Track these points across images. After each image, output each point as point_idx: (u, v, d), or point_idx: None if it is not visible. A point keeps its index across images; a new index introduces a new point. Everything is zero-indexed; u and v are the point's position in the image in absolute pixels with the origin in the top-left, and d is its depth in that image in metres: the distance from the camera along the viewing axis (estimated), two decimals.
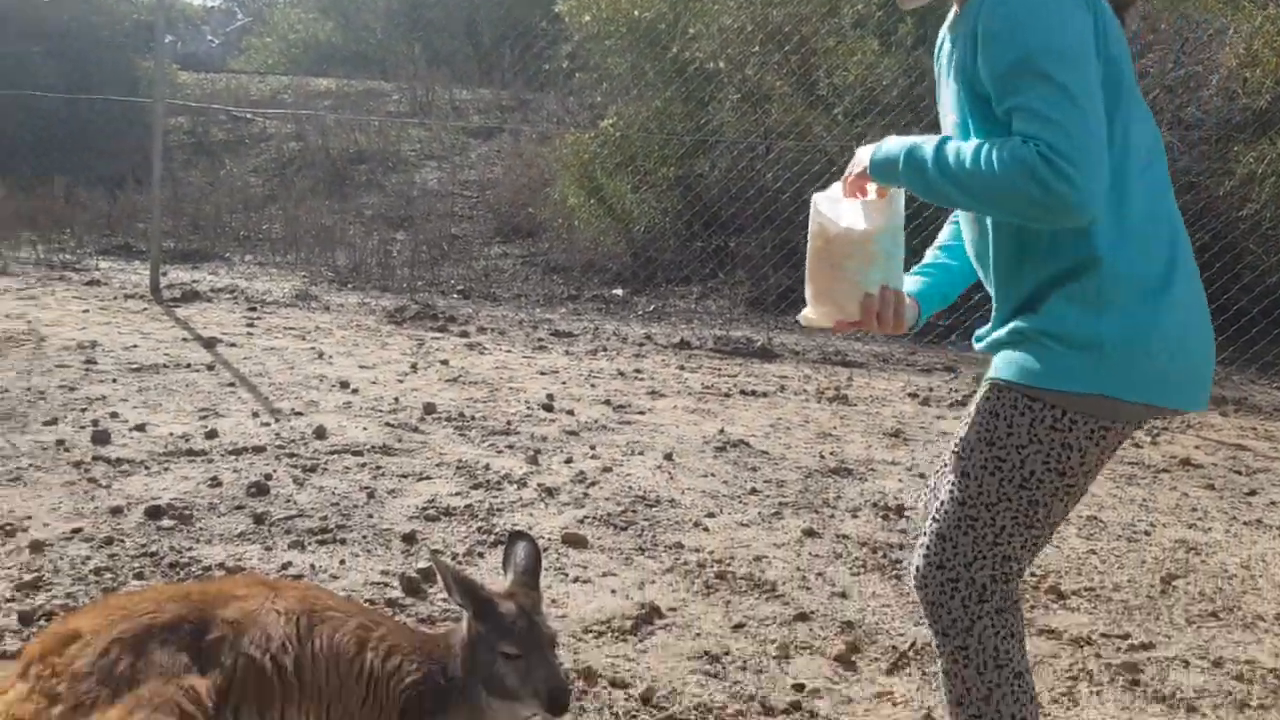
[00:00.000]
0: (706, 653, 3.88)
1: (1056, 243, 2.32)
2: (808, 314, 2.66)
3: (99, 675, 2.70)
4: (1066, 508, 2.49)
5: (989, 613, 2.41)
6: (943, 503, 2.51)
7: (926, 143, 2.35)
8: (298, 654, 2.88)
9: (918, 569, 2.52)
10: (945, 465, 2.71)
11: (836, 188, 2.61)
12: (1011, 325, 2.43)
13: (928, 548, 2.50)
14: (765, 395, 8.11)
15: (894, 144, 2.43)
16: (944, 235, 2.89)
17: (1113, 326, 2.28)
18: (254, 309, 10.15)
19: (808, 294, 2.63)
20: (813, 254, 2.59)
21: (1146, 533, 5.45)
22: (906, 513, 5.51)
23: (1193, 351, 2.35)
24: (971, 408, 2.54)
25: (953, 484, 2.48)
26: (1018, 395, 2.38)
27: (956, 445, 2.52)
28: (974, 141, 2.26)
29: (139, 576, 4.16)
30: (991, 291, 2.54)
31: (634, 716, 3.43)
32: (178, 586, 3.31)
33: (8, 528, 4.52)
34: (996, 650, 2.40)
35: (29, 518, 4.66)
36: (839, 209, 2.57)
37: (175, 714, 2.61)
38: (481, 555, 4.66)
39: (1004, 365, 2.44)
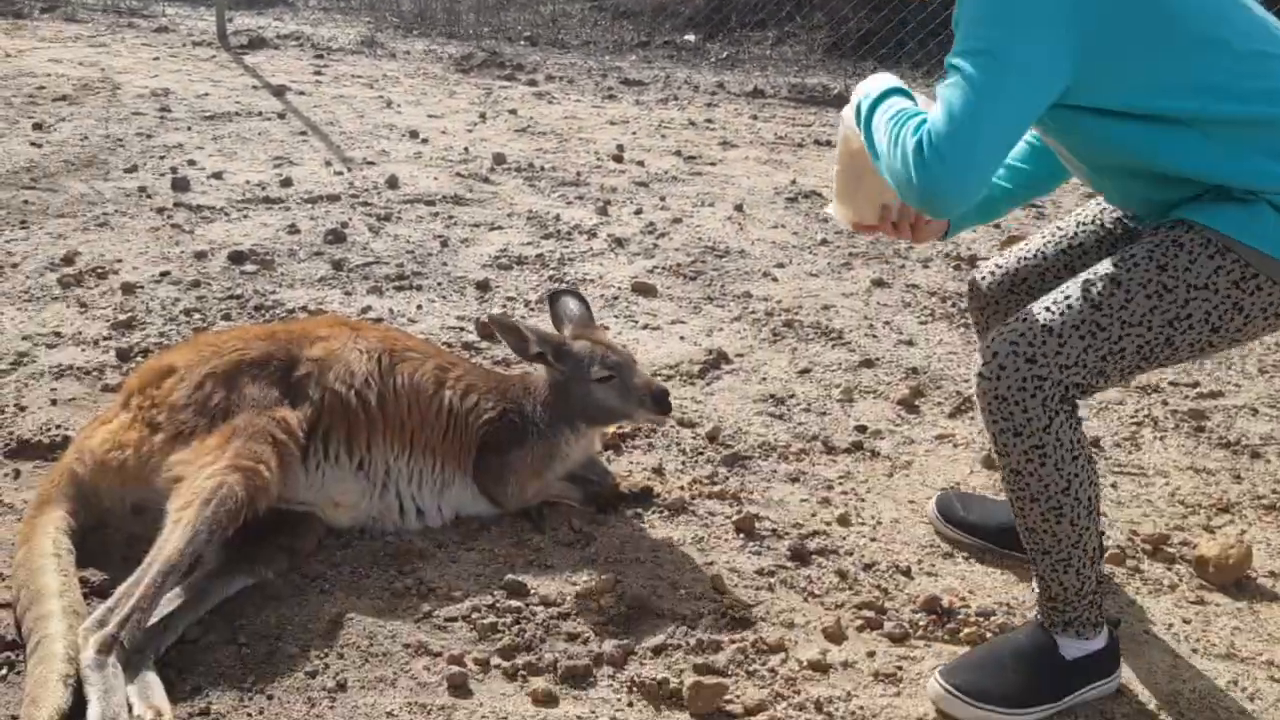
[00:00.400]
0: (772, 396, 3.98)
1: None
2: (830, 210, 2.82)
3: (195, 407, 2.86)
4: (1187, 359, 2.43)
5: (1066, 410, 2.34)
6: (1064, 298, 2.35)
7: (871, 98, 2.46)
8: (380, 389, 3.01)
9: (993, 361, 2.34)
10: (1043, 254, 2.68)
11: (859, 86, 2.59)
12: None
13: (1015, 341, 2.33)
14: None
15: (863, 92, 2.52)
16: (1012, 154, 2.77)
17: None
18: (320, 56, 10.03)
19: (835, 190, 2.74)
20: (840, 159, 2.67)
21: None
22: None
23: None
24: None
25: (1090, 284, 2.35)
26: (1211, 238, 2.28)
27: (1111, 255, 2.42)
28: (897, 107, 2.37)
29: (226, 318, 4.33)
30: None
31: (700, 452, 3.56)
32: (263, 326, 3.44)
33: (99, 270, 4.70)
34: (1072, 443, 2.35)
35: (119, 261, 4.82)
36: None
37: (269, 442, 2.78)
38: None
39: (1201, 210, 2.31)
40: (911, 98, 2.48)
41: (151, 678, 2.33)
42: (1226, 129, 2.26)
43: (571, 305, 3.35)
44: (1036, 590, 2.55)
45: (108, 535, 2.87)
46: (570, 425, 3.15)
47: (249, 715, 2.34)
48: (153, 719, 2.20)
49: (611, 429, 3.51)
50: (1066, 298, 2.36)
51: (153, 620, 2.44)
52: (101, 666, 2.27)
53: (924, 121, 2.25)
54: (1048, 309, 2.36)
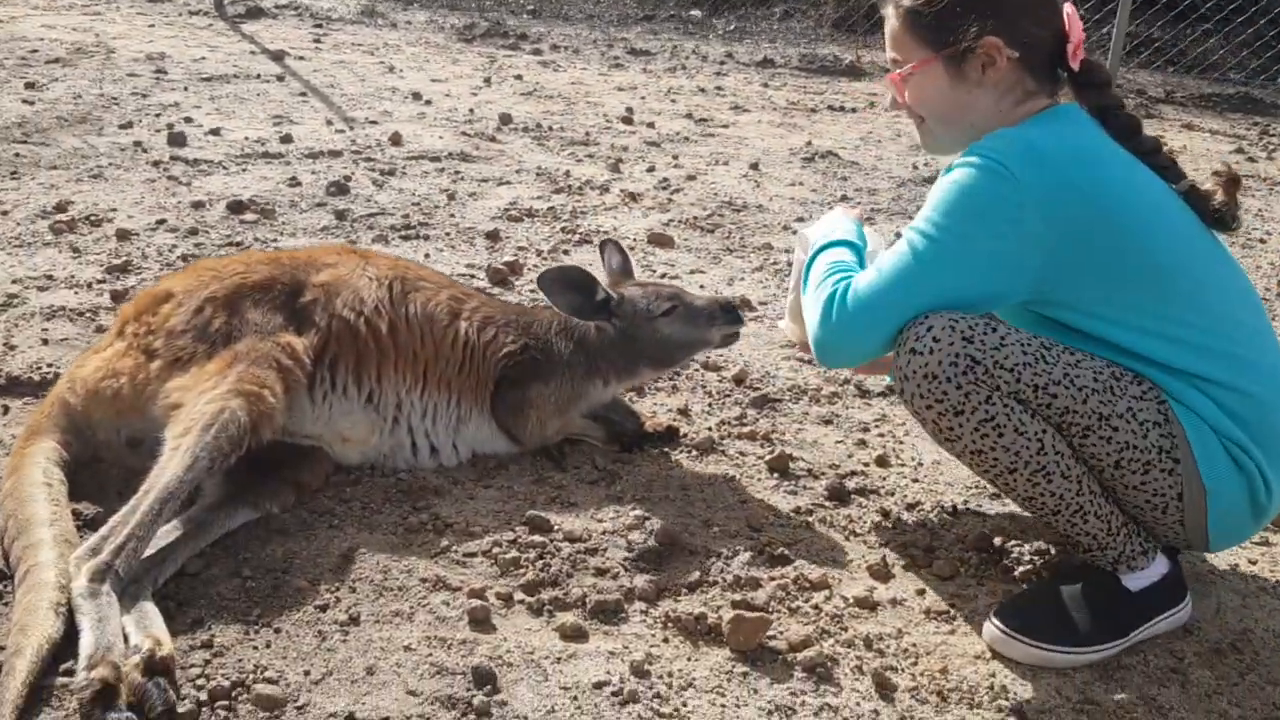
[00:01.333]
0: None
1: None
2: (780, 325, 2.90)
3: (194, 332, 2.68)
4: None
5: None
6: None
7: (825, 241, 2.50)
8: (392, 318, 2.83)
9: (926, 336, 2.24)
10: None
11: (818, 222, 2.59)
12: None
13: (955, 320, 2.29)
14: (854, 111, 7.75)
15: (821, 232, 2.56)
16: None
17: None
18: (320, 25, 9.83)
19: (787, 307, 2.76)
20: (794, 278, 2.65)
21: (1262, 240, 5.18)
22: None
23: None
24: None
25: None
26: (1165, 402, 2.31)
27: None
28: (838, 258, 2.41)
29: None
30: None
31: (728, 395, 3.38)
32: (266, 252, 3.25)
33: (93, 218, 4.50)
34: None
35: (114, 209, 4.63)
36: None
37: (273, 368, 2.59)
38: (566, 253, 4.56)
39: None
40: (861, 250, 2.50)
41: (149, 608, 2.14)
42: (1184, 376, 2.22)
43: (615, 258, 3.20)
44: (1070, 548, 2.38)
45: (102, 470, 2.68)
46: (606, 377, 2.97)
47: (254, 648, 2.15)
48: (151, 648, 2.00)
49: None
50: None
51: (150, 551, 2.26)
52: (95, 595, 2.09)
53: (849, 280, 2.29)
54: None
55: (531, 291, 4.02)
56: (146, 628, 2.08)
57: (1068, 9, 2.32)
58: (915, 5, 2.31)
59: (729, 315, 2.89)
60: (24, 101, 6.26)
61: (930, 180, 5.92)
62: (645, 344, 2.92)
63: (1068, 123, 2.26)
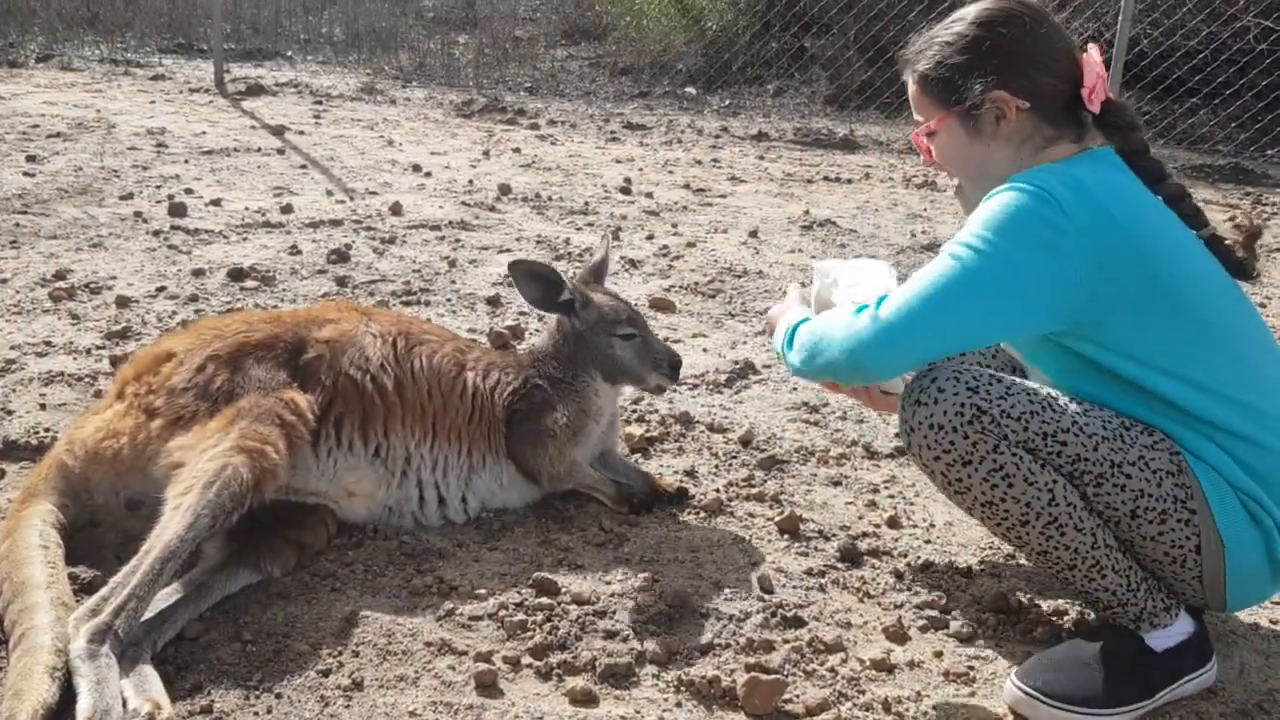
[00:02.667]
0: (805, 404, 3.76)
1: None
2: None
3: (196, 390, 2.64)
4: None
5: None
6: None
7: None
8: (398, 374, 2.81)
9: (930, 387, 2.25)
10: None
11: (834, 263, 2.56)
12: None
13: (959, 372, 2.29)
14: (850, 182, 7.81)
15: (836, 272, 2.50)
16: None
17: None
18: (320, 102, 9.93)
19: None
20: (814, 308, 2.60)
21: (1262, 305, 5.19)
22: None
23: None
24: None
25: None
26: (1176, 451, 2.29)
27: None
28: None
29: None
30: None
31: (734, 456, 3.34)
32: (268, 311, 3.23)
33: (92, 286, 4.49)
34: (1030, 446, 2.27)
35: (113, 277, 4.62)
36: (835, 287, 2.51)
37: (276, 423, 2.55)
38: None
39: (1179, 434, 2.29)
40: None
41: (148, 671, 2.08)
42: (1200, 425, 2.20)
43: (599, 254, 3.29)
44: (1091, 606, 2.34)
45: (100, 534, 2.63)
46: (590, 374, 3.01)
47: (255, 714, 2.08)
48: (150, 712, 1.94)
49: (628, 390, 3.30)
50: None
51: (150, 614, 2.20)
52: (94, 656, 2.03)
53: (883, 297, 2.21)
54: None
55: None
56: (146, 691, 2.02)
57: (1092, 50, 2.34)
58: (927, 69, 2.37)
59: (671, 370, 3.02)
60: (24, 174, 6.29)
61: (929, 247, 5.95)
62: (595, 351, 3.00)
63: (1103, 163, 2.27)
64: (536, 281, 2.98)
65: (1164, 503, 2.18)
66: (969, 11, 2.36)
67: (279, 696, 2.13)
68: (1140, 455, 2.18)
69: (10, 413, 3.27)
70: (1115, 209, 2.15)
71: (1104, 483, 2.19)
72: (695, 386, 3.86)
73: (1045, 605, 2.61)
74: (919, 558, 2.82)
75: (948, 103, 2.35)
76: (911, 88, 2.44)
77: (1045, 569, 2.33)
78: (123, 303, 4.28)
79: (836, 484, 3.22)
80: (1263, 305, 5.24)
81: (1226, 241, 2.36)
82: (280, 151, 7.51)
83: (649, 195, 6.87)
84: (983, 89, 2.29)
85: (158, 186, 6.24)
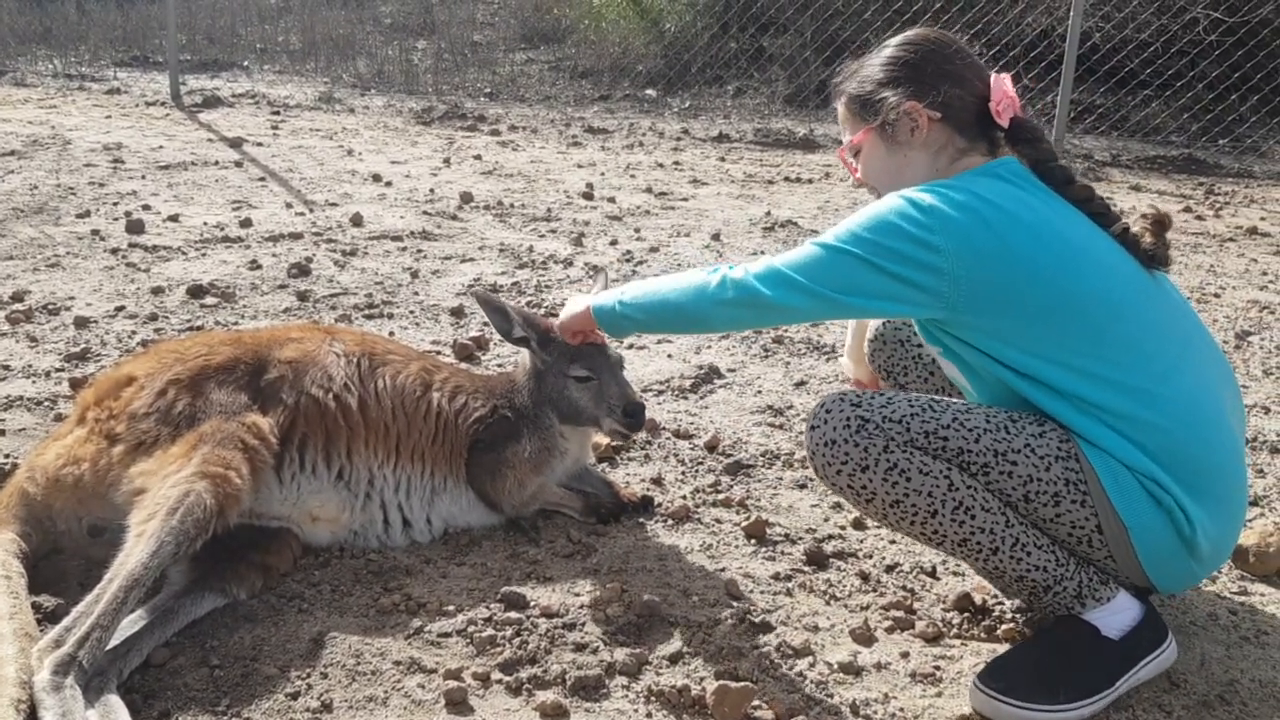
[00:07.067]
0: (770, 407, 3.79)
1: None
2: (843, 363, 3.11)
3: (158, 415, 2.62)
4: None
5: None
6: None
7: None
8: (361, 394, 2.79)
9: (819, 411, 2.40)
10: None
11: None
12: None
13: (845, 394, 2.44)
14: (810, 181, 7.86)
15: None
16: None
17: None
18: (277, 113, 9.87)
19: (847, 346, 3.03)
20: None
21: (1217, 295, 5.27)
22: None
23: None
24: None
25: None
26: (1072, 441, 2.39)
27: None
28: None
29: None
30: None
31: (700, 462, 3.36)
32: (229, 332, 3.21)
33: (50, 307, 4.44)
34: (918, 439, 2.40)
35: (72, 298, 4.57)
36: None
37: (239, 448, 2.54)
38: None
39: (1073, 422, 2.39)
40: None
41: (114, 701, 2.06)
42: (1090, 410, 2.28)
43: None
44: (1021, 598, 2.40)
45: (63, 561, 2.61)
46: (549, 413, 2.97)
47: None
48: None
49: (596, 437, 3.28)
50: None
51: (115, 641, 2.18)
52: (58, 688, 2.01)
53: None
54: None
55: (499, 365, 4.00)
56: None
57: (1004, 76, 2.49)
58: (854, 90, 2.56)
59: (629, 418, 2.86)
60: None
61: None
62: (551, 390, 2.94)
63: (993, 177, 2.38)
64: (494, 314, 2.95)
65: (1055, 485, 2.27)
66: (891, 40, 2.57)
67: None
68: (1026, 443, 2.29)
69: None
70: (987, 211, 2.27)
71: (990, 471, 2.29)
72: (661, 393, 3.87)
73: (1008, 604, 2.64)
74: (884, 559, 2.85)
75: (869, 119, 2.53)
76: (840, 110, 2.63)
77: (976, 564, 2.37)
78: (81, 323, 4.25)
79: (802, 487, 3.25)
80: (1217, 295, 5.32)
81: (1134, 232, 2.45)
82: (238, 164, 7.46)
83: (611, 200, 6.88)
84: (897, 100, 2.46)
85: (115, 203, 6.19)
